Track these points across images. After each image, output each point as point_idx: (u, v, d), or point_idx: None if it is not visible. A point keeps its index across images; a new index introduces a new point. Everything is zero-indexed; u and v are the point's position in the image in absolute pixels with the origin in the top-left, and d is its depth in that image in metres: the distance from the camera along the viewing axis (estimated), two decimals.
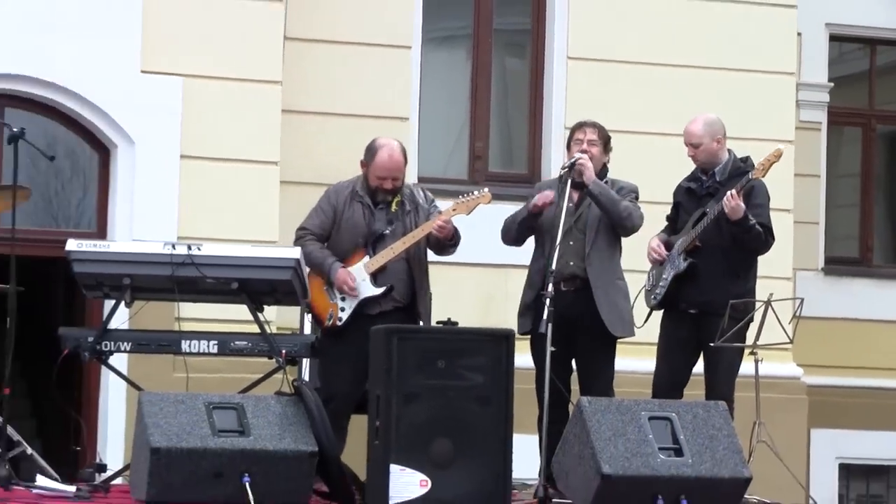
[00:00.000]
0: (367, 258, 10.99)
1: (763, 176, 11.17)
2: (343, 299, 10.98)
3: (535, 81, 16.00)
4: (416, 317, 11.03)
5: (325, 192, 11.37)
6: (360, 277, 10.97)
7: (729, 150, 11.47)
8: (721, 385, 11.12)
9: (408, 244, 10.98)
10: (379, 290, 10.94)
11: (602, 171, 11.24)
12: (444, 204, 11.34)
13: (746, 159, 11.49)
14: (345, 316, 10.99)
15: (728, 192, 10.97)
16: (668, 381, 11.21)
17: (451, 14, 16.02)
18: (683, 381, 11.27)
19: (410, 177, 14.76)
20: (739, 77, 15.65)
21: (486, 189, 11.51)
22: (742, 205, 10.98)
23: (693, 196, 11.38)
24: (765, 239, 11.23)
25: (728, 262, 11.24)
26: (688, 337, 11.26)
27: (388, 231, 11.05)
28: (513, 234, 11.26)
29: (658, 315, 11.41)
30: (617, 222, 10.96)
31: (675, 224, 11.44)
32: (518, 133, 16.12)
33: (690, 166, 11.53)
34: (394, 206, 11.10)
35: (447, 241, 11.08)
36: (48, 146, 12.93)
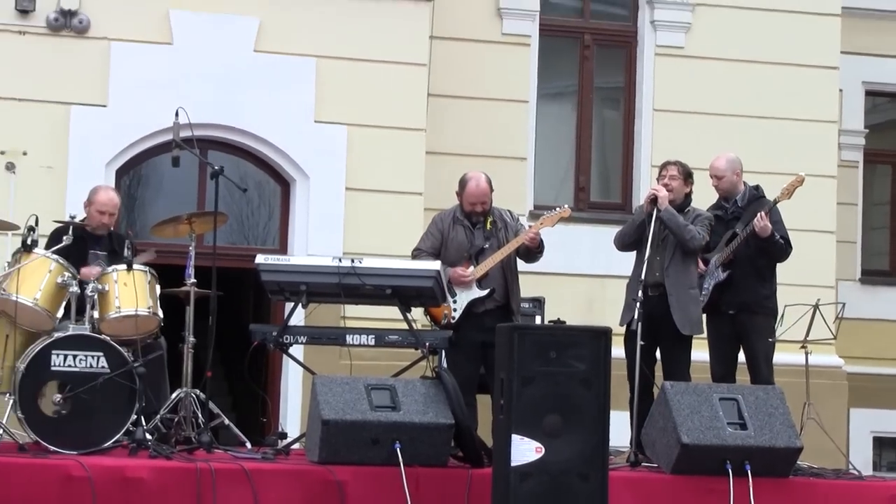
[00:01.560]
0: (472, 267, 11.01)
1: (788, 198, 11.10)
2: (455, 301, 11.02)
3: (627, 128, 15.98)
4: (510, 313, 10.98)
5: (433, 220, 11.40)
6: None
7: (744, 182, 11.41)
8: (762, 371, 11.04)
9: (505, 254, 10.96)
10: (484, 292, 10.93)
11: (686, 200, 11.15)
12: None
13: (758, 187, 11.43)
14: (457, 315, 10.96)
15: (759, 214, 10.91)
16: (719, 370, 11.13)
17: (561, 75, 16.01)
18: (732, 369, 11.16)
19: (527, 205, 14.85)
20: (792, 124, 15.57)
21: (566, 205, 11.52)
22: (769, 224, 10.94)
23: (721, 220, 11.27)
24: (785, 249, 11.17)
25: (756, 270, 11.13)
26: (729, 333, 11.15)
27: (486, 245, 11.04)
28: (627, 238, 11.15)
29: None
30: (681, 243, 10.87)
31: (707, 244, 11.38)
32: (613, 169, 16.07)
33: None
34: (488, 225, 11.11)
35: (535, 250, 11.07)
36: (241, 180, 12.99)
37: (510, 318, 10.88)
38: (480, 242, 11.06)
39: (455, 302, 10.94)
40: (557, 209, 11.29)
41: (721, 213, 11.33)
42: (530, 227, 11.17)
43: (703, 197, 11.46)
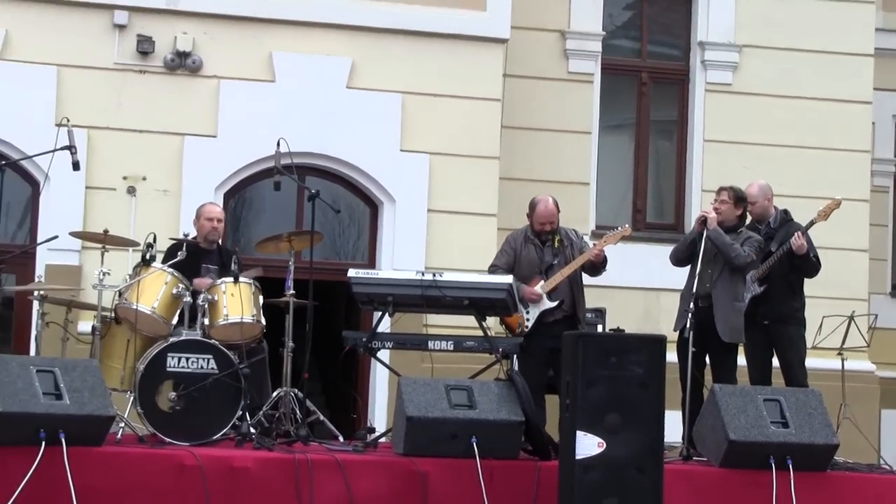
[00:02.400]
0: (542, 281, 11.00)
1: (825, 220, 11.05)
2: (528, 312, 11.01)
3: (680, 157, 15.92)
4: (577, 322, 11.00)
5: (507, 239, 11.42)
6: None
7: (774, 206, 11.37)
8: (796, 376, 10.99)
9: (572, 269, 10.97)
10: (553, 304, 10.93)
11: (738, 222, 11.13)
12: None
13: (786, 211, 11.39)
14: (530, 324, 10.96)
15: (796, 234, 10.89)
16: (756, 375, 11.07)
17: (620, 109, 15.96)
18: (768, 374, 11.10)
19: (590, 226, 14.82)
20: (829, 154, 15.49)
21: (626, 225, 11.52)
22: (805, 243, 10.90)
23: None
24: (816, 266, 11.13)
25: (789, 285, 11.09)
26: (764, 341, 11.09)
27: (555, 262, 11.04)
28: (681, 255, 11.15)
29: None
30: (727, 260, 10.83)
31: None
32: (667, 193, 16.01)
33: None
34: (556, 244, 11.12)
35: (600, 266, 11.07)
36: (335, 203, 13.02)
37: (576, 326, 10.88)
38: (549, 259, 11.07)
39: (528, 313, 10.95)
40: (619, 228, 11.29)
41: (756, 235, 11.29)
42: (594, 244, 11.18)
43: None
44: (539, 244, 11.12)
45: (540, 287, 10.96)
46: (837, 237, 11.32)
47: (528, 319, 10.96)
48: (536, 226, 11.15)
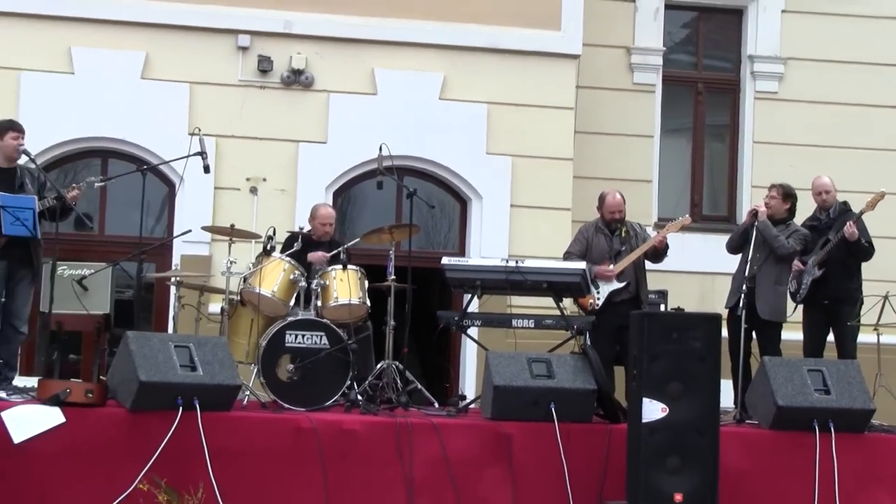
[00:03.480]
0: (611, 266, 10.99)
1: (872, 210, 10.89)
2: (598, 292, 10.98)
3: (732, 157, 15.81)
4: (640, 302, 11.00)
5: (580, 229, 11.48)
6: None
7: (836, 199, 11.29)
8: (849, 349, 10.87)
9: (638, 254, 11.00)
10: (621, 284, 10.96)
11: (788, 215, 11.11)
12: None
13: (846, 203, 11.25)
14: (600, 303, 10.96)
15: (848, 223, 10.78)
16: (812, 349, 10.98)
17: (678, 116, 15.83)
18: (822, 348, 11.01)
19: (652, 218, 14.74)
20: (866, 153, 15.36)
21: (687, 214, 11.51)
22: (856, 231, 10.79)
23: (815, 230, 11.13)
24: (869, 250, 11.01)
25: (846, 269, 10.97)
26: (822, 319, 11.00)
27: (622, 248, 11.09)
28: (735, 243, 11.09)
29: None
30: (772, 249, 10.80)
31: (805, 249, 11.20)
32: (721, 189, 15.88)
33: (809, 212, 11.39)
34: (623, 234, 11.15)
35: (662, 252, 11.08)
36: (429, 199, 13.04)
37: (640, 307, 10.87)
38: (617, 247, 11.12)
39: (598, 293, 10.93)
40: (680, 218, 11.27)
41: (816, 224, 11.22)
42: (658, 232, 11.14)
43: (803, 212, 11.39)
44: (608, 234, 11.14)
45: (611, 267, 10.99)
46: (875, 225, 11.13)
47: (598, 299, 10.96)
48: (607, 216, 11.17)
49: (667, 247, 11.11)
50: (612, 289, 10.97)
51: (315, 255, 10.75)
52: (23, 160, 9.92)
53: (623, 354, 10.32)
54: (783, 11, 15.70)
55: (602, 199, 11.29)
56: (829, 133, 15.41)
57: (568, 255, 11.24)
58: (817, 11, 15.66)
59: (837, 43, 15.62)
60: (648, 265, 11.26)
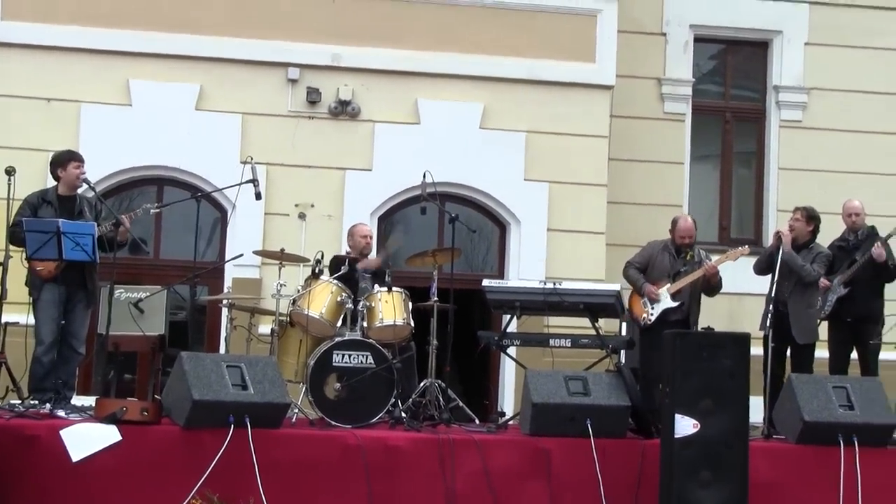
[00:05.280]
0: (668, 284, 10.88)
1: None
2: (652, 308, 10.88)
3: (758, 182, 15.74)
4: (689, 326, 10.86)
5: (648, 244, 11.33)
6: (664, 295, 10.89)
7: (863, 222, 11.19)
8: (872, 366, 10.76)
9: (694, 277, 10.87)
10: (676, 303, 10.85)
11: (810, 238, 10.99)
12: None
13: (874, 227, 11.15)
14: (653, 319, 10.87)
15: (877, 244, 10.71)
16: (837, 366, 10.85)
17: (708, 143, 15.79)
18: (846, 364, 10.87)
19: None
20: (884, 178, 15.27)
21: (746, 246, 11.36)
22: (884, 252, 10.71)
23: (842, 250, 11.04)
24: (894, 272, 10.90)
25: (870, 288, 10.85)
26: (847, 337, 10.87)
27: (683, 269, 10.95)
28: (762, 266, 10.96)
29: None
30: (798, 276, 10.68)
31: (832, 267, 11.09)
32: (747, 213, 15.80)
33: (834, 234, 11.26)
34: (689, 257, 11.02)
35: (716, 284, 10.98)
36: (470, 224, 13.00)
37: (689, 329, 10.75)
38: (679, 267, 11.00)
39: (653, 309, 10.84)
40: (741, 248, 11.18)
41: (844, 244, 11.12)
42: (710, 260, 11.08)
43: (824, 233, 11.26)
44: (674, 254, 11.05)
45: (666, 289, 10.89)
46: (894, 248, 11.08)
47: (651, 315, 10.88)
48: (678, 239, 11.09)
49: (720, 280, 10.99)
50: (667, 307, 10.87)
51: (368, 262, 10.72)
52: (82, 189, 9.93)
53: None
54: (806, 44, 15.67)
55: (675, 223, 11.22)
56: (851, 160, 15.35)
57: (628, 265, 11.19)
58: (839, 44, 15.63)
59: (858, 74, 15.56)
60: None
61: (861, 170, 15.22)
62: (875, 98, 15.53)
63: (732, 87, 16.06)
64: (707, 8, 15.53)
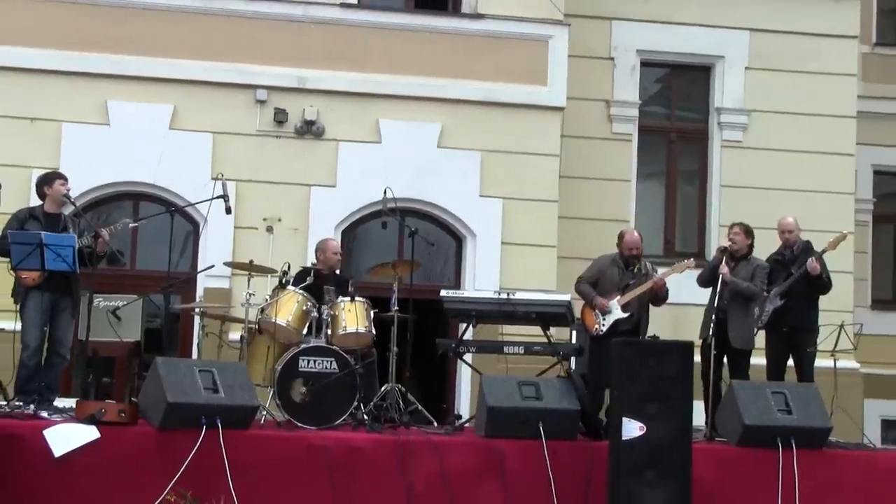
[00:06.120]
0: (619, 296, 10.91)
1: (833, 249, 10.88)
2: (604, 319, 10.92)
3: (701, 199, 15.83)
4: (639, 333, 10.87)
5: (596, 259, 11.31)
6: (615, 307, 10.91)
7: (798, 237, 11.21)
8: (807, 374, 10.79)
9: (641, 290, 10.89)
10: (626, 314, 10.85)
11: (749, 251, 11.03)
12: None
13: (808, 242, 11.16)
14: (604, 329, 10.88)
15: (811, 258, 10.74)
16: (774, 372, 10.87)
17: (653, 162, 15.86)
18: (783, 372, 10.90)
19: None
20: (820, 195, 15.37)
21: (692, 259, 11.42)
22: (819, 267, 10.74)
23: (779, 263, 11.07)
24: (828, 285, 10.94)
25: (805, 300, 10.87)
26: (784, 346, 10.88)
27: (632, 283, 10.97)
28: (705, 278, 10.96)
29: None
30: (741, 295, 10.75)
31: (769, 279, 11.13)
32: (691, 228, 15.88)
33: (773, 248, 11.31)
34: (636, 270, 11.05)
35: (661, 296, 11.00)
36: (428, 237, 13.01)
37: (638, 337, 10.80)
38: (628, 280, 11.00)
39: (604, 320, 10.87)
40: (686, 261, 11.21)
41: (780, 258, 11.14)
42: (658, 274, 11.08)
43: (764, 247, 11.35)
44: (623, 267, 11.04)
45: (616, 301, 10.89)
46: (830, 261, 11.13)
47: (603, 325, 10.88)
48: (626, 251, 11.07)
49: (666, 292, 11.04)
50: (618, 318, 10.89)
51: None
52: (68, 209, 9.98)
53: None
54: (746, 68, 15.76)
55: (621, 236, 11.20)
56: (788, 177, 15.42)
57: (579, 280, 11.15)
58: (777, 69, 15.72)
59: (795, 97, 15.65)
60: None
61: (797, 187, 15.29)
62: (810, 119, 15.62)
63: (677, 108, 16.15)
64: (653, 34, 15.60)
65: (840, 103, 15.68)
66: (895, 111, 17.36)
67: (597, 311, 10.90)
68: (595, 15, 15.39)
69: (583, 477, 8.96)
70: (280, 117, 13.81)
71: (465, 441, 9.26)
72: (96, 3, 13.59)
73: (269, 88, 13.82)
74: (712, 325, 10.43)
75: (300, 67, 13.89)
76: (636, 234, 11.20)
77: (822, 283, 10.90)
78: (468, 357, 10.96)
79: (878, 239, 17.86)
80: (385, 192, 10.77)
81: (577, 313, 11.03)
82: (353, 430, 9.43)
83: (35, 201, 10.20)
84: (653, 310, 11.18)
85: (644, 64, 15.72)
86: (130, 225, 10.50)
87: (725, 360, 10.74)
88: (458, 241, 14.36)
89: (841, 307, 13.67)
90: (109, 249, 9.88)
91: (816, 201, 15.20)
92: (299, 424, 9.44)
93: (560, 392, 9.42)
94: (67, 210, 10.02)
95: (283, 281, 10.42)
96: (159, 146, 13.55)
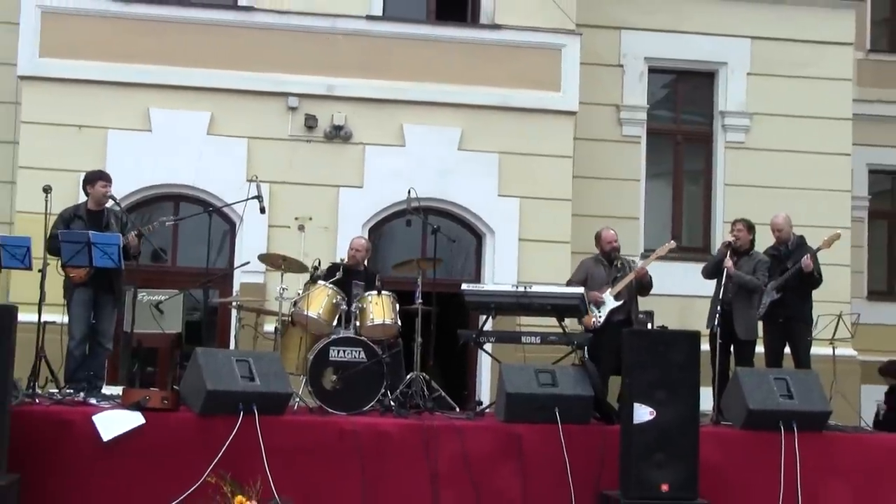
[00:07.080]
0: (609, 289, 10.94)
1: (828, 248, 10.82)
2: (599, 311, 10.93)
3: (706, 197, 15.80)
4: (632, 323, 10.96)
5: (581, 262, 11.48)
6: (608, 297, 10.98)
7: (793, 232, 11.18)
8: (803, 361, 10.78)
9: (629, 279, 10.96)
10: (619, 302, 10.92)
11: (751, 246, 11.02)
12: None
13: (802, 237, 11.14)
14: (600, 321, 10.93)
15: (806, 256, 10.70)
16: (772, 359, 10.85)
17: (661, 162, 15.86)
18: (780, 360, 10.88)
19: (639, 249, 14.72)
20: (819, 193, 15.38)
21: (672, 241, 11.44)
22: (812, 264, 10.70)
23: (775, 258, 11.04)
24: (818, 281, 10.87)
25: (800, 293, 10.85)
26: (779, 335, 10.87)
27: (618, 276, 11.08)
28: (709, 271, 11.01)
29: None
30: (744, 288, 10.74)
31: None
32: (696, 224, 15.87)
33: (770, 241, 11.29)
34: (619, 265, 11.18)
35: (647, 284, 11.03)
36: (450, 235, 13.03)
37: (631, 326, 10.80)
38: (615, 274, 11.10)
39: (599, 314, 10.88)
40: (658, 249, 11.22)
41: (776, 253, 11.11)
42: (640, 262, 11.19)
43: (765, 242, 11.30)
44: (606, 265, 11.09)
45: (608, 292, 10.96)
46: (828, 255, 11.10)
47: (599, 318, 10.92)
48: (605, 247, 11.17)
49: (650, 280, 11.05)
50: (611, 307, 10.92)
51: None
52: (109, 204, 10.01)
53: (619, 366, 10.26)
54: (749, 74, 15.76)
55: (598, 235, 11.27)
56: (788, 177, 15.43)
57: (570, 283, 11.22)
58: (778, 74, 15.71)
59: (794, 100, 15.65)
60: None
61: (796, 186, 15.30)
62: (808, 122, 15.61)
63: (683, 112, 16.15)
64: (659, 42, 15.61)
65: (836, 106, 15.66)
66: (889, 113, 17.39)
67: (591, 305, 10.90)
68: (605, 25, 15.39)
69: (596, 459, 8.92)
70: (310, 123, 13.85)
71: (486, 425, 9.24)
72: (139, 18, 13.67)
73: (300, 96, 13.85)
74: (717, 315, 10.39)
75: (329, 76, 13.92)
76: (612, 231, 11.34)
77: (813, 279, 10.87)
78: (488, 346, 10.95)
79: (874, 234, 17.84)
80: (409, 193, 10.78)
81: None
82: (380, 416, 9.42)
83: (82, 198, 10.24)
84: (661, 302, 11.20)
85: (651, 70, 15.73)
86: (168, 223, 10.63)
87: (732, 349, 10.74)
88: (478, 237, 14.37)
89: (839, 298, 13.67)
90: (150, 246, 9.96)
91: (815, 199, 15.20)
92: (330, 410, 9.45)
93: (574, 379, 9.39)
94: (110, 205, 10.06)
95: (314, 276, 10.42)
96: (198, 151, 13.61)
